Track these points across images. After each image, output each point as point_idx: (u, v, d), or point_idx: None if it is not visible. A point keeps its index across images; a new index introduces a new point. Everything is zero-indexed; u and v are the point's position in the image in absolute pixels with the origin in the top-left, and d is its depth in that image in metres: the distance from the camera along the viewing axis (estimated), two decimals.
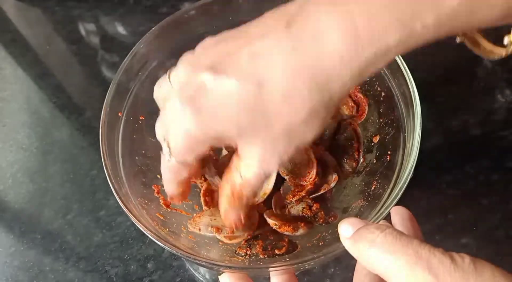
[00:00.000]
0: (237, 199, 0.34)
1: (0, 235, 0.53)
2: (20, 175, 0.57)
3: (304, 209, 0.41)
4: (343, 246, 0.27)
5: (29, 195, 0.55)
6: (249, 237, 0.41)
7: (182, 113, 0.31)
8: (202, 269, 0.49)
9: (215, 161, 0.44)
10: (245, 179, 0.32)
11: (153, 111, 0.46)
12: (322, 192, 0.42)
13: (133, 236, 0.51)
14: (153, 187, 0.43)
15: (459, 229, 0.49)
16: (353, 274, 0.33)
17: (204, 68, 0.30)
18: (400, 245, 0.23)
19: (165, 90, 0.34)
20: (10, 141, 0.60)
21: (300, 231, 0.41)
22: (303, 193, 0.41)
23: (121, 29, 0.68)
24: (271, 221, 0.41)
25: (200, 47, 0.33)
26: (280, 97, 0.28)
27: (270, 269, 0.35)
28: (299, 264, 0.34)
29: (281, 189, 0.43)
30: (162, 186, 0.44)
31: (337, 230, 0.28)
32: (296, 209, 0.42)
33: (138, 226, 0.36)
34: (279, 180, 0.43)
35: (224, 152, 0.46)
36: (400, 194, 0.36)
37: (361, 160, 0.45)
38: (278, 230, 0.41)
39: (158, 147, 0.46)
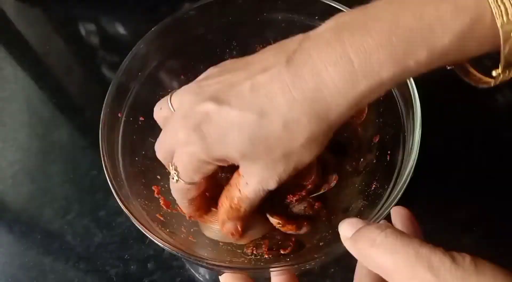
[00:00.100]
0: (235, 211, 0.36)
1: (0, 235, 0.53)
2: (20, 175, 0.57)
3: (306, 208, 0.42)
4: (344, 246, 0.27)
5: (29, 195, 0.55)
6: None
7: (188, 139, 0.33)
8: (202, 270, 0.49)
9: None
10: (244, 194, 0.35)
11: (153, 112, 0.46)
12: (322, 191, 0.42)
13: (133, 236, 0.51)
14: (153, 188, 0.43)
15: (459, 229, 0.49)
16: (353, 274, 0.33)
17: (208, 98, 0.32)
18: (400, 244, 0.23)
19: (165, 113, 0.37)
20: (10, 141, 0.60)
21: (304, 229, 0.41)
22: (303, 193, 0.41)
23: (121, 29, 0.68)
24: (274, 220, 0.41)
25: (204, 76, 0.36)
26: (281, 126, 0.30)
27: (271, 269, 0.35)
28: (300, 264, 0.34)
29: (280, 189, 0.43)
30: (162, 186, 0.44)
31: (337, 230, 0.28)
32: (298, 208, 0.42)
33: (139, 227, 0.36)
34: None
35: None
36: (400, 193, 0.36)
37: (361, 160, 0.45)
38: (282, 229, 0.41)
39: None
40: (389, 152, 0.42)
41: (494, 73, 0.29)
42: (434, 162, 0.53)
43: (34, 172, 0.57)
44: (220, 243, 0.42)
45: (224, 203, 0.37)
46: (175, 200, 0.44)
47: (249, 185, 0.34)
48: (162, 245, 0.35)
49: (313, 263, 0.35)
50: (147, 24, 0.67)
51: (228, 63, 0.36)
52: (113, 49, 0.66)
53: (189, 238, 0.41)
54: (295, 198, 0.41)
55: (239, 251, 0.42)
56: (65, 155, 0.58)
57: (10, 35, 0.69)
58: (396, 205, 0.35)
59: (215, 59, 0.39)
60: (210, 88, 0.33)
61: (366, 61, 0.27)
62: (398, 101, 0.42)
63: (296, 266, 0.34)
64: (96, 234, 0.52)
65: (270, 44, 0.34)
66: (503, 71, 0.28)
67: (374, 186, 0.42)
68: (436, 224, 0.49)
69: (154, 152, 0.46)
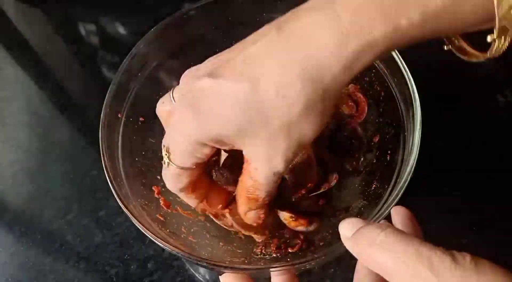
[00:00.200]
0: (253, 201, 0.35)
1: (0, 235, 0.53)
2: (20, 175, 0.57)
3: (311, 205, 0.42)
4: (344, 246, 0.27)
5: (29, 195, 0.55)
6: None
7: (182, 117, 0.32)
8: (202, 269, 0.49)
9: (218, 167, 0.44)
10: (257, 181, 0.33)
11: (153, 112, 0.46)
12: (322, 190, 0.42)
13: (133, 236, 0.51)
14: (153, 188, 0.43)
15: (459, 229, 0.49)
16: (353, 274, 0.33)
17: (203, 75, 0.31)
18: (401, 244, 0.23)
19: (168, 107, 0.36)
20: (10, 141, 0.60)
21: (314, 225, 0.41)
22: (303, 192, 0.41)
23: (121, 29, 0.68)
24: (286, 214, 0.41)
25: (201, 63, 0.35)
26: (274, 92, 0.29)
27: (271, 269, 0.35)
28: (300, 264, 0.34)
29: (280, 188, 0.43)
30: (162, 187, 0.44)
31: (337, 230, 0.28)
32: (303, 205, 0.42)
33: (139, 227, 0.36)
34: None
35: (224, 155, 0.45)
36: (400, 193, 0.36)
37: (361, 159, 0.45)
38: (293, 224, 0.41)
39: (158, 148, 0.46)
40: (389, 152, 0.42)
41: (489, 38, 0.28)
42: (434, 162, 0.53)
43: (34, 172, 0.57)
44: (220, 243, 0.42)
45: (241, 195, 0.36)
46: (175, 200, 0.44)
47: (258, 170, 0.33)
48: (162, 245, 0.35)
49: (313, 263, 0.35)
50: (147, 24, 0.67)
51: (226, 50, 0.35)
52: (113, 49, 0.66)
53: (189, 238, 0.41)
54: (294, 197, 0.41)
55: (240, 251, 0.42)
56: (65, 155, 0.58)
57: (10, 35, 0.69)
58: (396, 204, 0.35)
59: None
60: (206, 68, 0.32)
61: (357, 19, 0.27)
62: (398, 101, 0.42)
63: (296, 266, 0.34)
64: (96, 234, 0.52)
65: None
66: (499, 36, 0.27)
67: (374, 185, 0.42)
68: (436, 224, 0.49)
69: (154, 152, 0.46)
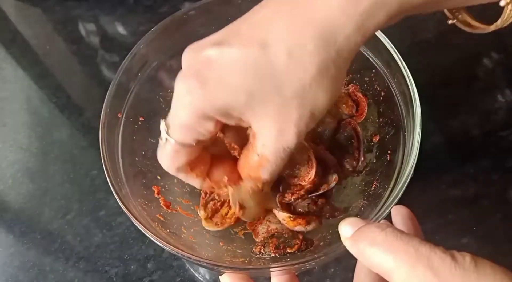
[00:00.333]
0: (255, 180, 0.33)
1: (0, 235, 0.53)
2: (20, 175, 0.57)
3: (310, 204, 0.42)
4: (344, 246, 0.27)
5: (29, 195, 0.55)
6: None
7: (187, 88, 0.30)
8: (202, 269, 0.49)
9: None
10: (263, 157, 0.31)
11: (153, 112, 0.46)
12: (321, 191, 0.42)
13: (133, 236, 0.51)
14: (153, 188, 0.43)
15: (459, 229, 0.49)
16: (353, 274, 0.33)
17: (208, 45, 0.29)
18: (401, 243, 0.23)
19: None
20: (10, 140, 0.60)
21: (313, 225, 0.41)
22: (302, 192, 0.41)
23: (121, 29, 0.68)
24: (285, 215, 0.41)
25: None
26: (286, 55, 0.27)
27: (271, 269, 0.35)
28: (300, 264, 0.34)
29: (280, 188, 0.43)
30: (162, 187, 0.44)
31: (337, 230, 0.28)
32: (302, 205, 0.42)
33: (139, 227, 0.36)
34: (279, 180, 0.43)
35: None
36: (400, 193, 0.36)
37: (361, 159, 0.45)
38: (291, 223, 0.41)
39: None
40: (389, 152, 0.42)
41: (502, 2, 0.27)
42: (434, 161, 0.53)
43: (34, 172, 0.57)
44: (220, 243, 0.42)
45: (243, 173, 0.34)
46: (175, 200, 0.44)
47: (266, 146, 0.30)
48: (162, 245, 0.35)
49: (313, 263, 0.35)
50: (147, 24, 0.67)
51: None
52: (113, 49, 0.66)
53: (189, 238, 0.41)
54: (293, 197, 0.41)
55: (240, 251, 0.42)
56: (65, 155, 0.58)
57: (10, 35, 0.69)
58: (396, 204, 0.35)
59: None
60: (211, 38, 0.30)
61: None
62: (398, 101, 0.42)
63: (296, 266, 0.34)
64: (96, 234, 0.52)
65: None
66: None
67: (374, 185, 0.42)
68: (436, 224, 0.49)
69: (154, 152, 0.46)
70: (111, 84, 0.42)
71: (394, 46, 0.41)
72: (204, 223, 0.42)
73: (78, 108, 0.62)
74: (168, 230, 0.40)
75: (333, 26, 0.27)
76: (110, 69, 0.64)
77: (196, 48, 0.30)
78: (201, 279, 0.49)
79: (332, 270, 0.48)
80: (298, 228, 0.41)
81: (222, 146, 0.37)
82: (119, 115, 0.43)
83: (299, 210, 0.42)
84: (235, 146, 0.37)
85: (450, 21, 0.32)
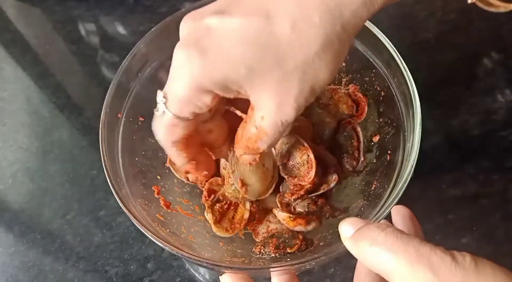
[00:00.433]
0: (252, 150, 0.33)
1: (0, 235, 0.53)
2: (20, 175, 0.57)
3: (310, 204, 0.42)
4: (344, 246, 0.27)
5: (29, 194, 0.55)
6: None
7: (186, 57, 0.29)
8: (202, 269, 0.49)
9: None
10: (261, 129, 0.31)
11: (153, 112, 0.46)
12: (321, 191, 0.42)
13: (133, 236, 0.51)
14: (153, 188, 0.43)
15: (459, 229, 0.49)
16: (353, 274, 0.33)
17: (209, 14, 0.29)
18: (401, 243, 0.23)
19: None
20: (10, 140, 0.59)
21: (313, 225, 0.41)
22: (302, 192, 0.41)
23: (121, 29, 0.68)
24: (284, 215, 0.41)
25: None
26: (290, 27, 0.27)
27: (271, 269, 0.35)
28: (300, 264, 0.34)
29: (280, 188, 0.43)
30: (162, 187, 0.44)
31: (337, 230, 0.28)
32: (302, 205, 0.42)
33: (139, 227, 0.36)
34: (279, 180, 0.43)
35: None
36: (400, 193, 0.36)
37: (361, 159, 0.45)
38: (291, 223, 0.41)
39: (158, 148, 0.46)
40: (389, 152, 0.42)
41: None
42: (434, 161, 0.53)
43: (34, 172, 0.57)
44: (220, 243, 0.42)
45: (240, 143, 0.33)
46: (175, 200, 0.44)
47: (265, 118, 0.30)
48: (162, 245, 0.35)
49: (313, 263, 0.35)
50: (147, 24, 0.67)
51: None
52: (113, 49, 0.66)
53: (189, 238, 0.41)
54: (293, 197, 0.41)
55: (240, 251, 0.42)
56: (65, 155, 0.58)
57: (10, 35, 0.69)
58: (396, 204, 0.35)
59: None
60: (211, 7, 0.30)
61: None
62: (398, 101, 0.42)
63: (296, 266, 0.34)
64: (96, 234, 0.52)
65: None
66: None
67: (374, 185, 0.42)
68: (436, 224, 0.49)
69: (154, 152, 0.46)
70: (111, 84, 0.42)
71: (394, 46, 0.41)
72: (214, 228, 0.42)
73: (78, 108, 0.62)
74: (168, 230, 0.40)
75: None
76: (110, 69, 0.64)
77: (196, 16, 0.30)
78: (201, 279, 0.49)
79: (332, 270, 0.48)
80: (298, 228, 0.41)
81: (218, 120, 0.37)
82: (119, 115, 0.43)
83: (299, 210, 0.42)
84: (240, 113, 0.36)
85: (469, 0, 0.31)
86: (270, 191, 0.42)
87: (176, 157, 0.36)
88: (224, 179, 0.42)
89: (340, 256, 0.35)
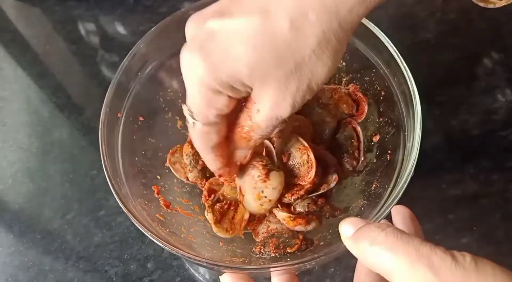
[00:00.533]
0: (244, 140, 0.34)
1: (0, 234, 0.53)
2: (20, 175, 0.57)
3: (310, 204, 0.42)
4: (344, 246, 0.27)
5: (29, 194, 0.55)
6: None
7: (193, 63, 0.30)
8: (202, 269, 0.49)
9: None
10: (255, 122, 0.32)
11: (153, 112, 0.46)
12: (321, 191, 0.42)
13: (133, 236, 0.51)
14: (153, 188, 0.43)
15: (459, 229, 0.49)
16: (353, 274, 0.33)
17: (210, 16, 0.29)
18: (401, 243, 0.23)
19: None
20: (10, 140, 0.59)
21: (313, 225, 0.41)
22: (301, 192, 0.41)
23: (121, 29, 0.68)
24: (284, 214, 0.41)
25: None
26: (288, 25, 0.27)
27: (271, 269, 0.35)
28: (300, 264, 0.34)
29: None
30: (162, 186, 0.44)
31: (337, 230, 0.28)
32: (302, 205, 0.42)
33: (138, 227, 0.36)
34: None
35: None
36: (400, 193, 0.36)
37: (362, 159, 0.45)
38: (291, 223, 0.41)
39: (158, 148, 0.46)
40: (389, 152, 0.42)
41: None
42: (434, 161, 0.53)
43: (34, 172, 0.57)
44: (220, 243, 0.42)
45: (235, 132, 0.35)
46: (175, 200, 0.44)
47: (260, 112, 0.31)
48: (162, 245, 0.35)
49: (313, 263, 0.35)
50: (147, 24, 0.67)
51: None
52: (113, 49, 0.66)
53: (189, 238, 0.41)
54: (293, 197, 0.41)
55: (240, 250, 0.42)
56: (65, 155, 0.58)
57: (10, 35, 0.69)
58: (396, 204, 0.35)
59: None
60: (211, 9, 0.30)
61: None
62: (398, 100, 0.42)
63: (296, 266, 0.34)
64: (96, 234, 0.52)
65: None
66: None
67: (374, 185, 0.42)
68: (436, 224, 0.49)
69: (154, 151, 0.46)
70: (111, 84, 0.42)
71: (394, 46, 0.41)
72: (214, 228, 0.42)
73: (78, 108, 0.62)
74: (168, 230, 0.40)
75: None
76: (110, 69, 0.64)
77: (199, 19, 0.30)
78: (201, 279, 0.49)
79: (332, 269, 0.48)
80: (298, 228, 0.41)
81: None
82: (119, 115, 0.43)
83: (299, 210, 0.42)
84: None
85: None
86: (263, 213, 0.42)
87: (213, 162, 0.37)
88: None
89: (340, 256, 0.35)
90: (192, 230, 0.42)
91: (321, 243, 0.40)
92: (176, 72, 0.41)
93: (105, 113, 0.41)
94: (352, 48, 0.45)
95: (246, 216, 0.43)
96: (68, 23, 0.69)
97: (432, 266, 0.22)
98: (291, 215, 0.41)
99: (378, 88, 0.45)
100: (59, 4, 0.70)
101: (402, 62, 0.40)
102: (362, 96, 0.46)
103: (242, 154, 0.37)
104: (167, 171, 0.46)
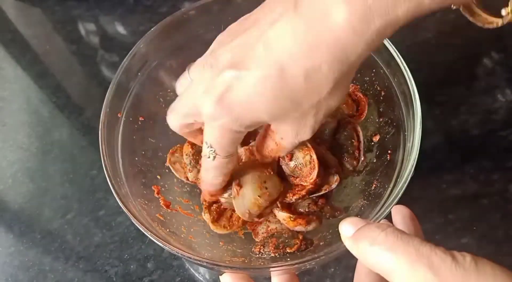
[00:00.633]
0: (269, 158, 0.39)
1: (0, 234, 0.53)
2: (20, 175, 0.57)
3: (310, 204, 0.42)
4: (344, 246, 0.27)
5: (29, 194, 0.55)
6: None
7: (215, 113, 0.32)
8: (202, 269, 0.49)
9: None
10: (281, 146, 0.36)
11: (153, 112, 0.46)
12: (323, 192, 0.42)
13: (133, 235, 0.51)
14: (153, 188, 0.43)
15: (459, 229, 0.49)
16: (353, 274, 0.33)
17: (226, 66, 0.31)
18: (401, 243, 0.23)
19: (185, 85, 0.37)
20: (10, 140, 0.59)
21: (313, 225, 0.41)
22: (303, 192, 0.41)
23: (121, 29, 0.68)
24: (285, 215, 0.41)
25: (216, 44, 0.34)
26: (303, 77, 0.29)
27: (271, 269, 0.35)
28: (300, 264, 0.34)
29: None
30: (162, 186, 0.44)
31: (338, 230, 0.28)
32: (302, 206, 0.42)
33: (138, 227, 0.36)
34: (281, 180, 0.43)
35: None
36: (400, 193, 0.36)
37: (362, 158, 0.45)
38: (291, 223, 0.41)
39: (158, 148, 0.46)
40: (389, 151, 0.42)
41: (503, 12, 0.28)
42: (434, 161, 0.53)
43: (34, 172, 0.57)
44: (220, 243, 0.42)
45: (260, 152, 0.38)
46: (175, 200, 0.44)
47: (284, 139, 0.35)
48: (162, 245, 0.35)
49: (313, 263, 0.35)
50: (147, 24, 0.67)
51: (235, 26, 0.34)
52: (113, 49, 0.66)
53: (189, 238, 0.41)
54: (295, 197, 0.41)
55: (240, 250, 0.42)
56: (65, 155, 0.58)
57: (10, 35, 0.69)
58: (396, 204, 0.35)
59: None
60: (226, 56, 0.32)
61: None
62: (398, 100, 0.42)
63: (296, 266, 0.34)
64: (96, 234, 0.52)
65: None
66: None
67: (374, 185, 0.42)
68: (436, 224, 0.49)
69: (154, 151, 0.46)
70: (111, 84, 0.42)
71: (394, 46, 0.41)
72: (211, 226, 0.42)
73: (78, 108, 0.62)
74: (168, 230, 0.40)
75: (345, 46, 0.28)
76: (110, 69, 0.64)
77: (215, 65, 0.32)
78: (201, 278, 0.49)
79: (332, 269, 0.48)
80: (298, 228, 0.41)
81: None
82: (119, 115, 0.43)
83: (300, 210, 0.42)
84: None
85: (454, 7, 0.32)
86: (254, 212, 0.41)
87: (218, 184, 0.39)
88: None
89: (340, 256, 0.35)
90: (192, 230, 0.42)
91: (321, 243, 0.40)
92: (176, 72, 0.41)
93: (105, 113, 0.41)
94: None
95: None
96: (68, 23, 0.69)
97: (432, 266, 0.22)
98: (291, 215, 0.41)
99: (378, 88, 0.45)
100: (59, 4, 0.70)
101: (402, 62, 0.40)
102: (362, 96, 0.46)
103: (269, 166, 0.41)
104: (167, 170, 0.46)
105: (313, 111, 0.32)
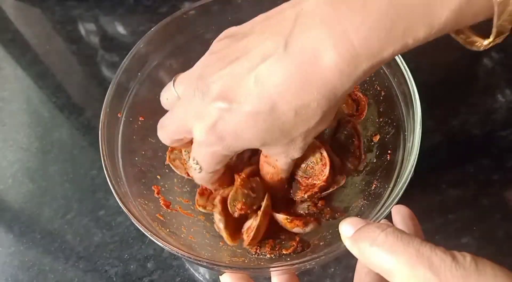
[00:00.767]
0: (274, 181, 0.41)
1: (0, 234, 0.53)
2: (20, 175, 0.57)
3: (310, 206, 0.42)
4: (344, 246, 0.27)
5: (29, 194, 0.55)
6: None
7: (206, 140, 0.34)
8: (202, 269, 0.49)
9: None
10: (278, 168, 0.39)
11: (153, 112, 0.46)
12: (331, 190, 0.42)
13: (133, 235, 0.51)
14: (153, 188, 0.43)
15: (459, 229, 0.49)
16: (353, 274, 0.33)
17: (216, 97, 0.32)
18: (401, 243, 0.23)
19: (171, 99, 0.39)
20: (10, 140, 0.59)
21: (311, 226, 0.41)
22: (315, 189, 0.41)
23: (120, 29, 0.68)
24: (282, 216, 0.41)
25: (205, 67, 0.35)
26: (293, 114, 0.31)
27: (271, 269, 0.35)
28: (300, 264, 0.34)
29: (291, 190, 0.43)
30: (162, 186, 0.44)
31: (337, 230, 0.28)
32: (302, 208, 0.42)
33: (138, 227, 0.36)
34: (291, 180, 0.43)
35: None
36: (400, 193, 0.36)
37: (363, 157, 0.45)
38: (289, 225, 0.41)
39: (158, 148, 0.46)
40: (389, 151, 0.42)
41: (485, 42, 0.29)
42: (434, 161, 0.53)
43: (34, 172, 0.57)
44: (220, 243, 0.42)
45: (265, 178, 0.41)
46: (175, 200, 0.44)
47: (279, 161, 0.38)
48: (162, 245, 0.35)
49: (313, 263, 0.35)
50: (147, 24, 0.67)
51: (224, 50, 0.34)
52: (113, 49, 0.66)
53: (189, 238, 0.41)
54: (307, 194, 0.41)
55: (239, 250, 0.42)
56: (65, 155, 0.58)
57: (10, 35, 0.69)
58: (396, 204, 0.35)
59: None
60: (216, 85, 0.32)
61: (367, 41, 0.27)
62: (398, 100, 0.42)
63: (296, 266, 0.34)
64: (96, 234, 0.52)
65: None
66: (494, 40, 0.29)
67: (374, 185, 0.42)
68: (436, 224, 0.49)
69: (154, 151, 0.46)
70: (111, 84, 0.42)
71: None
72: (229, 242, 0.42)
73: (78, 108, 0.62)
74: (168, 230, 0.40)
75: (333, 87, 0.30)
76: (110, 69, 0.64)
77: (206, 95, 0.33)
78: (201, 279, 0.49)
79: (332, 269, 0.48)
80: (296, 230, 0.41)
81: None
82: (119, 115, 0.43)
83: (300, 212, 0.42)
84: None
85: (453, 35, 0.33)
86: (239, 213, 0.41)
87: (207, 184, 0.42)
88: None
89: (340, 256, 0.35)
90: (192, 230, 0.42)
91: (321, 243, 0.40)
92: (176, 72, 0.41)
93: (105, 113, 0.41)
94: None
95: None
96: (68, 23, 0.69)
97: (432, 267, 0.22)
98: (288, 217, 0.41)
99: (378, 88, 0.45)
100: (59, 4, 0.70)
101: (402, 62, 0.40)
102: (362, 96, 0.46)
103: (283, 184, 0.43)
104: (167, 170, 0.46)
105: (302, 137, 0.34)
